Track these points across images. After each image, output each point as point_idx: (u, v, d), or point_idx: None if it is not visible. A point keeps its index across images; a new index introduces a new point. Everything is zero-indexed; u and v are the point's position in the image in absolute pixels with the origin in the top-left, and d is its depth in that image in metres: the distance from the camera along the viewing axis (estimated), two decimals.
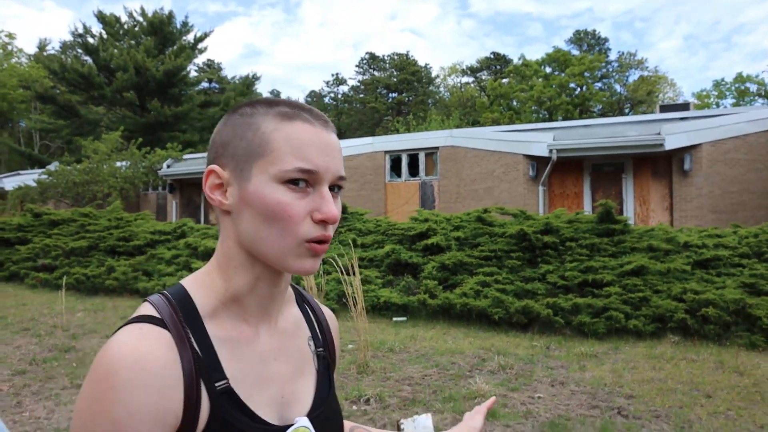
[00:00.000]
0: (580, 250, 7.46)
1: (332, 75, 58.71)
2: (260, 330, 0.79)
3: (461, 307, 7.06)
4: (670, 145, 11.30)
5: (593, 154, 12.16)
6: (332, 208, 0.73)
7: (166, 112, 27.01)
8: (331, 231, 0.75)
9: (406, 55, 44.99)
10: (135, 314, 0.73)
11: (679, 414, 3.83)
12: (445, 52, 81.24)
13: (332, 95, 47.47)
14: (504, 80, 42.10)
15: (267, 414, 0.75)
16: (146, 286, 10.00)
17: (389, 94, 44.07)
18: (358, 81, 46.18)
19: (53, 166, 20.00)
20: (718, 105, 45.01)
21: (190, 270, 9.94)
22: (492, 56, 45.09)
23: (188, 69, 29.81)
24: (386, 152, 16.72)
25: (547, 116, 38.09)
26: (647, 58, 64.48)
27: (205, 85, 43.83)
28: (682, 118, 13.03)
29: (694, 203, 11.78)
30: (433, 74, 47.55)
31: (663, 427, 3.62)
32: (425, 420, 1.14)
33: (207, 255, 10.33)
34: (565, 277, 7.09)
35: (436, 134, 16.41)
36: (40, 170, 21.31)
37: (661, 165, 12.20)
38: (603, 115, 38.07)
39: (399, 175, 16.80)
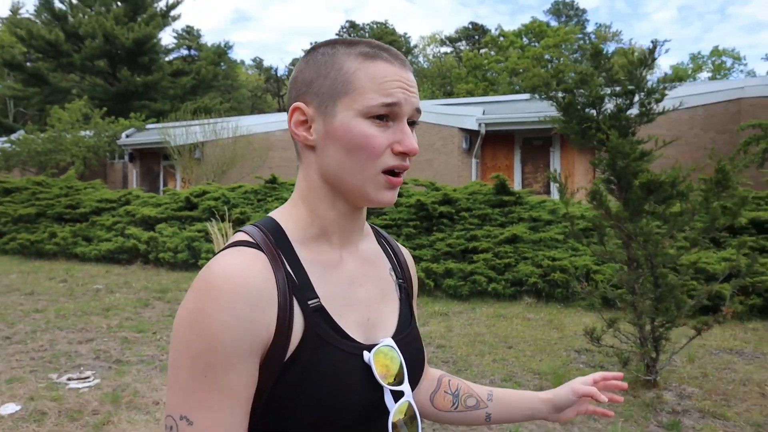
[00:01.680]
0: (472, 220, 8.06)
1: (310, 43, 58.28)
2: (345, 257, 0.84)
3: None
4: None
5: (522, 128, 12.69)
6: (412, 140, 0.79)
7: (136, 80, 27.15)
8: (408, 162, 0.80)
9: (385, 23, 44.89)
10: (231, 241, 0.79)
11: (465, 359, 4.47)
12: (438, 19, 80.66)
13: None
14: (483, 50, 42.26)
15: (355, 333, 0.79)
16: (84, 251, 10.57)
17: None
18: None
19: (16, 135, 20.31)
20: (694, 78, 45.43)
21: (125, 236, 10.51)
22: (470, 26, 45.04)
23: (159, 37, 29.75)
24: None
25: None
26: (622, 30, 64.39)
27: (184, 52, 43.70)
28: None
29: None
30: (413, 44, 47.51)
31: (442, 367, 4.26)
32: None
33: (143, 221, 10.88)
34: (450, 245, 7.70)
35: None
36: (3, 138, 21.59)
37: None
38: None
39: None
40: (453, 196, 8.40)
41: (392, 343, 0.82)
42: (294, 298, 0.74)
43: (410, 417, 0.82)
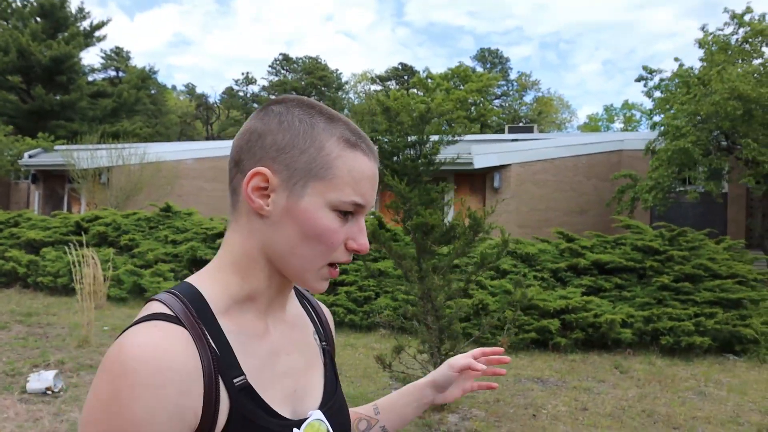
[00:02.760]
0: None
1: (242, 74, 58.41)
2: (270, 325, 0.79)
3: None
4: (479, 163, 12.62)
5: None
6: (366, 240, 0.77)
7: (51, 99, 26.42)
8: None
9: (317, 58, 45.73)
10: (145, 313, 0.71)
11: None
12: (377, 57, 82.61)
13: (241, 94, 47.47)
14: (411, 90, 43.72)
15: (281, 408, 0.75)
16: None
17: None
18: (269, 81, 46.45)
19: None
20: (607, 128, 48.61)
21: (5, 259, 10.23)
22: (400, 67, 46.55)
23: (81, 56, 29.18)
24: None
25: (448, 128, 39.92)
26: (541, 80, 68.40)
27: (112, 73, 42.80)
28: (495, 140, 14.46)
29: (503, 218, 13.14)
30: (344, 80, 48.55)
31: None
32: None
33: (28, 244, 10.66)
34: None
35: None
36: None
37: (477, 181, 13.55)
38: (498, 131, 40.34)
39: None
40: None
41: (321, 416, 0.79)
42: (219, 377, 0.69)
43: None
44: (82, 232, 10.81)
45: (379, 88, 47.46)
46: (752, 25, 10.93)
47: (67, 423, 3.85)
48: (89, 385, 4.79)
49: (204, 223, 10.24)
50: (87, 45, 30.44)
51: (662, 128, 11.35)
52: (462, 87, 39.90)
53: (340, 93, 47.32)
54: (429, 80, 42.14)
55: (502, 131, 39.18)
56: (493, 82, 40.64)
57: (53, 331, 6.70)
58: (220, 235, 9.57)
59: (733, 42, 11.12)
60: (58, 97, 26.70)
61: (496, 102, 44.47)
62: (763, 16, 11.18)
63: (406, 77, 45.80)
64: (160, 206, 11.24)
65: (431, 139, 4.50)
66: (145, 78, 31.71)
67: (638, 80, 12.66)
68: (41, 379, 4.42)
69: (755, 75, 10.10)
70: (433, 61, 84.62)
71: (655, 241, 7.92)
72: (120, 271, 9.09)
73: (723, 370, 5.83)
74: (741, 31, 11.09)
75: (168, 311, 0.70)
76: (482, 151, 12.77)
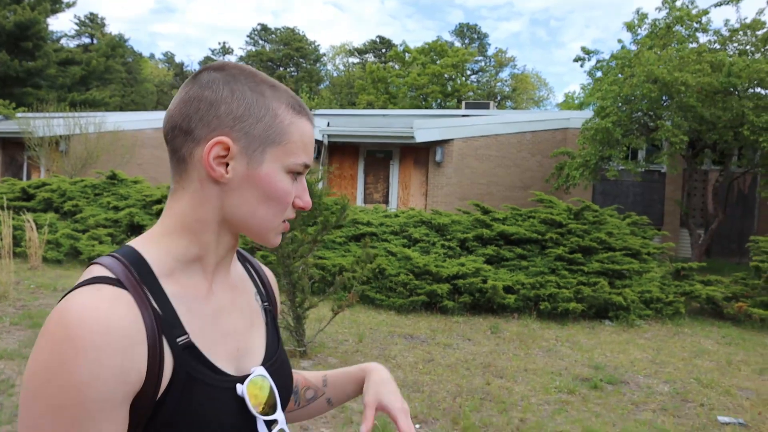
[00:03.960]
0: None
1: (219, 44, 57.85)
2: (214, 287, 0.83)
3: None
4: (420, 138, 13.03)
5: (365, 141, 13.74)
6: (309, 198, 0.84)
7: (15, 66, 26.28)
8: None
9: (293, 29, 45.47)
10: (86, 276, 0.72)
11: None
12: (366, 29, 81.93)
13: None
14: (388, 63, 43.78)
15: (225, 366, 0.79)
16: None
17: (275, 68, 44.49)
18: (246, 52, 46.19)
19: None
20: (581, 106, 49.08)
21: None
22: (378, 40, 46.45)
23: (48, 23, 28.90)
24: None
25: (423, 102, 40.20)
26: (516, 57, 68.47)
27: (86, 40, 42.29)
28: (434, 116, 14.86)
29: (444, 190, 13.65)
30: (322, 52, 48.38)
31: None
32: None
33: None
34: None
35: None
36: None
37: (421, 155, 13.97)
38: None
39: None
40: None
41: (263, 371, 0.83)
42: (163, 337, 0.71)
43: None
44: (29, 198, 11.17)
45: (357, 60, 47.42)
46: (681, 11, 11.34)
47: None
48: None
49: (145, 190, 10.61)
50: (55, 11, 30.11)
51: (593, 107, 11.83)
52: (438, 62, 40.07)
53: (317, 65, 47.22)
54: (406, 54, 42.22)
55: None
56: (469, 58, 40.80)
57: None
58: (158, 201, 9.96)
59: (661, 26, 11.54)
60: (22, 64, 26.52)
61: (473, 78, 44.70)
62: (692, 0, 11.59)
63: (383, 50, 45.75)
64: (105, 173, 11.59)
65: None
66: (116, 46, 31.49)
67: (576, 60, 13.07)
68: None
69: (678, 58, 10.54)
70: (422, 34, 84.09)
71: (561, 215, 8.45)
72: (58, 235, 9.48)
73: (589, 333, 6.40)
74: (669, 16, 11.50)
75: (110, 274, 0.72)
76: (424, 126, 13.17)
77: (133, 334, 0.68)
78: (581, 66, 13.11)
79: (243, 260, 0.96)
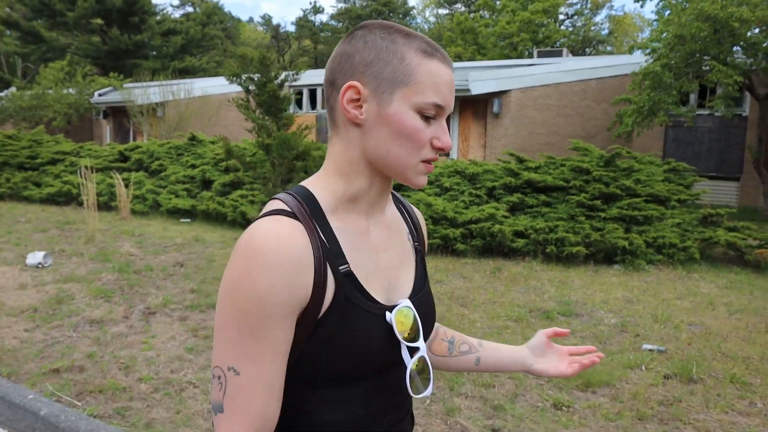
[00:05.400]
0: None
1: (310, 3, 58.99)
2: (371, 225, 0.93)
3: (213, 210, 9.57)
4: (476, 90, 13.27)
5: None
6: (449, 139, 0.89)
7: (126, 40, 28.93)
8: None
9: None
10: (268, 209, 0.86)
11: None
12: None
13: (310, 24, 48.45)
14: (477, 13, 42.77)
15: (378, 296, 0.90)
16: (32, 194, 12.62)
17: None
18: (336, 9, 47.05)
19: (7, 92, 22.40)
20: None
21: (64, 182, 12.49)
22: None
23: None
24: (291, 86, 18.77)
25: (513, 52, 39.08)
26: None
27: (189, 9, 45.14)
28: (491, 67, 14.85)
29: (502, 141, 13.86)
30: (411, 4, 48.09)
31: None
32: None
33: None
34: None
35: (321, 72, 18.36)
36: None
37: (479, 107, 14.20)
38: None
39: (301, 107, 18.96)
40: None
41: (410, 303, 0.92)
42: (327, 264, 0.83)
43: (422, 368, 0.92)
44: (125, 160, 12.88)
45: (446, 12, 46.70)
46: None
47: (42, 284, 5.59)
48: (70, 264, 6.65)
49: (217, 149, 11.88)
50: None
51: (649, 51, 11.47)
52: (529, 7, 38.57)
53: (407, 18, 47.10)
54: (496, 1, 40.99)
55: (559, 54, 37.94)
56: (562, 1, 38.86)
57: (76, 234, 8.64)
58: (223, 160, 11.18)
59: None
60: (131, 37, 29.12)
61: (567, 23, 42.59)
62: None
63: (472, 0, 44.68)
64: (187, 136, 13.04)
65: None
66: (211, 13, 33.45)
67: (636, 0, 12.54)
68: (34, 257, 6.26)
69: None
70: None
71: (591, 163, 8.62)
72: (143, 190, 11.02)
73: (590, 276, 6.67)
74: None
75: (286, 208, 0.85)
76: (479, 78, 13.37)
77: (304, 257, 0.81)
78: (641, 6, 12.61)
79: (397, 202, 1.05)
